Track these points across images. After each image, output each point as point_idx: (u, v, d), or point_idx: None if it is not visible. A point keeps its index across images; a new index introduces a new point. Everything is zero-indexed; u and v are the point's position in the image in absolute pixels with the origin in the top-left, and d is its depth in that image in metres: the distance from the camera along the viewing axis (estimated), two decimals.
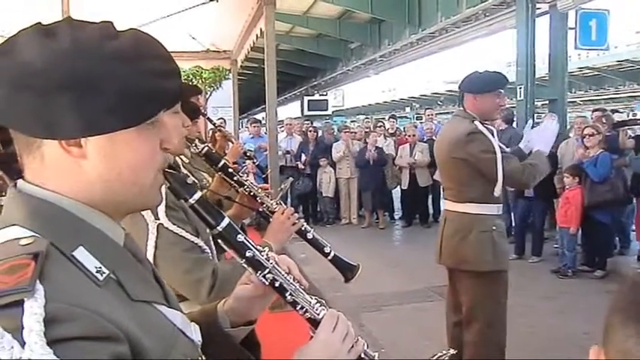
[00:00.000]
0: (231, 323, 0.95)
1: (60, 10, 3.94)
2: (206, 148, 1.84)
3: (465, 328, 2.90)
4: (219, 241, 0.90)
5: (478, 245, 2.77)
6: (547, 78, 8.85)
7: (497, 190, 2.76)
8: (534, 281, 5.38)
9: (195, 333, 0.82)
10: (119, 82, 0.65)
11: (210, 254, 1.47)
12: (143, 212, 1.35)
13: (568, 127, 8.15)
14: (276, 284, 0.90)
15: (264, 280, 0.89)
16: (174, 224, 1.38)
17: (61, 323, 0.55)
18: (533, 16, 7.85)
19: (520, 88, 7.83)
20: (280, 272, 0.91)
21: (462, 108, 2.93)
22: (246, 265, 0.90)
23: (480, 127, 2.76)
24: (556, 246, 6.19)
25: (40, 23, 0.68)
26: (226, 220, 0.88)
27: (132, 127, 0.68)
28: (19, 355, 0.51)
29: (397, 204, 9.24)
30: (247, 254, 0.89)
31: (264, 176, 4.08)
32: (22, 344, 0.52)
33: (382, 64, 15.30)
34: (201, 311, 0.99)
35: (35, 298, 0.55)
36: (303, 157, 8.85)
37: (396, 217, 9.29)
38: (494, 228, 2.81)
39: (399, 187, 8.71)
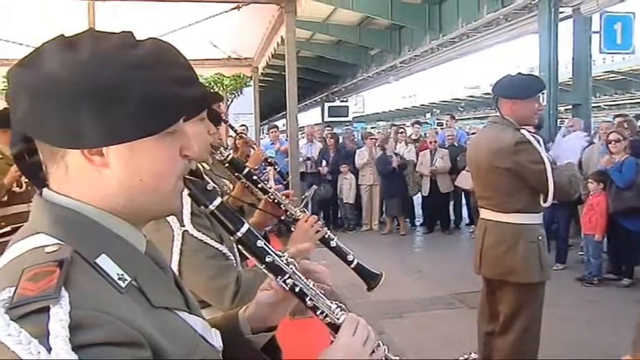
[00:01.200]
0: (252, 329, 0.95)
1: (86, 20, 4.04)
2: (231, 156, 1.86)
3: (498, 337, 2.86)
4: (239, 246, 0.91)
5: (526, 256, 2.71)
6: (570, 83, 8.70)
7: (548, 201, 2.69)
8: (558, 289, 5.26)
9: (215, 339, 0.83)
10: (139, 90, 0.66)
11: (234, 261, 1.48)
12: (169, 219, 1.37)
13: (592, 132, 7.99)
14: (296, 289, 0.90)
15: (284, 285, 0.90)
16: (199, 231, 1.39)
17: (85, 329, 0.56)
18: (556, 21, 7.74)
19: (543, 94, 7.71)
20: (300, 277, 0.91)
21: (498, 114, 2.83)
22: (266, 271, 0.91)
23: (528, 136, 2.67)
24: (581, 253, 6.06)
25: (62, 35, 0.69)
26: (246, 226, 0.89)
27: (153, 135, 0.69)
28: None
29: (418, 210, 9.17)
30: (267, 259, 0.89)
31: (285, 183, 4.09)
32: (49, 350, 0.53)
33: (402, 70, 15.25)
34: (222, 317, 1.00)
35: (60, 305, 0.56)
36: (324, 164, 8.87)
37: (417, 223, 9.22)
38: (540, 238, 2.77)
39: (419, 193, 8.66)
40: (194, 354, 0.73)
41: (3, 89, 10.62)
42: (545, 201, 2.71)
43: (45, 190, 0.72)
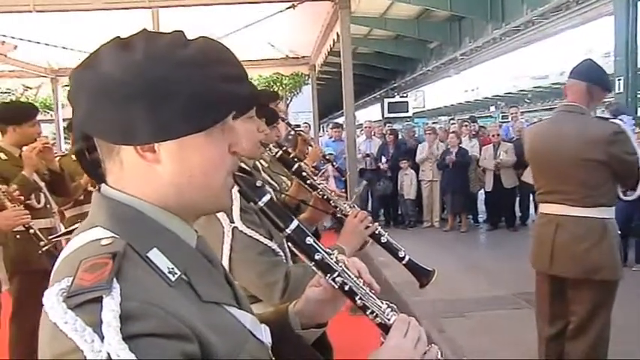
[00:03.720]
0: (301, 325, 0.95)
1: (151, 27, 4.24)
2: (280, 152, 1.87)
3: (571, 340, 2.71)
4: (289, 243, 0.90)
5: (613, 252, 2.59)
6: None
7: (636, 194, 2.58)
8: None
9: (265, 334, 0.83)
10: (189, 88, 0.68)
11: (283, 257, 1.49)
12: (219, 216, 1.40)
13: None
14: (346, 288, 0.89)
15: (333, 283, 0.89)
16: (248, 227, 1.41)
17: (135, 320, 0.58)
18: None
19: (619, 80, 7.21)
20: (350, 276, 0.90)
21: (575, 102, 2.64)
22: (315, 268, 0.90)
23: (623, 125, 2.53)
24: None
25: (118, 37, 0.72)
26: (295, 223, 0.88)
27: (202, 131, 0.70)
28: (99, 348, 0.55)
29: (481, 207, 8.87)
30: (316, 257, 0.89)
31: (343, 179, 4.09)
32: (102, 338, 0.55)
33: (463, 63, 14.80)
34: (273, 312, 1.01)
35: (112, 296, 0.58)
36: (384, 160, 8.78)
37: (481, 220, 8.92)
38: (619, 232, 2.67)
39: (483, 189, 8.37)
40: (242, 349, 0.73)
41: None
42: (630, 194, 2.60)
43: (103, 185, 0.75)
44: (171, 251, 0.71)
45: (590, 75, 2.65)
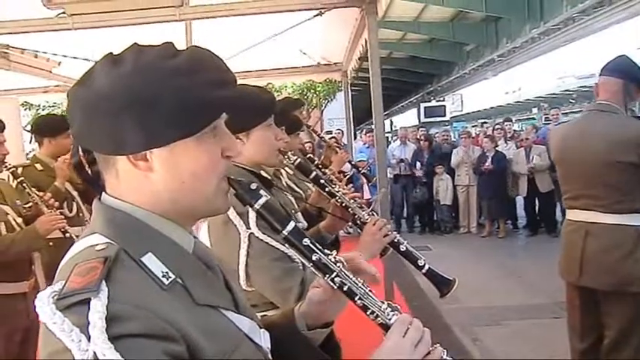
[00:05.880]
0: (307, 326, 0.96)
1: (184, 39, 4.36)
2: (299, 160, 1.88)
3: (609, 354, 2.56)
4: (286, 245, 0.92)
5: None
6: None
7: None
8: None
9: (264, 339, 0.85)
10: (175, 95, 0.70)
11: (299, 264, 1.49)
12: (235, 222, 1.42)
13: None
14: (345, 288, 0.89)
15: (332, 283, 0.89)
16: (264, 234, 1.42)
17: (121, 322, 0.61)
18: None
19: None
20: (349, 276, 0.90)
21: (607, 101, 2.51)
22: (313, 269, 0.91)
23: None
24: None
25: (111, 53, 0.76)
26: (292, 225, 0.90)
27: (189, 136, 0.73)
28: (86, 347, 0.58)
29: (521, 212, 8.63)
30: (314, 257, 0.90)
31: (371, 184, 4.07)
32: (88, 338, 0.59)
33: (501, 65, 14.45)
34: (280, 314, 1.03)
35: (99, 298, 0.61)
36: (418, 165, 8.69)
37: (520, 225, 8.67)
38: None
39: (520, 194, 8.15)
40: (235, 352, 0.75)
41: None
42: None
43: (103, 194, 0.79)
44: (166, 256, 0.74)
45: (628, 72, 2.52)
